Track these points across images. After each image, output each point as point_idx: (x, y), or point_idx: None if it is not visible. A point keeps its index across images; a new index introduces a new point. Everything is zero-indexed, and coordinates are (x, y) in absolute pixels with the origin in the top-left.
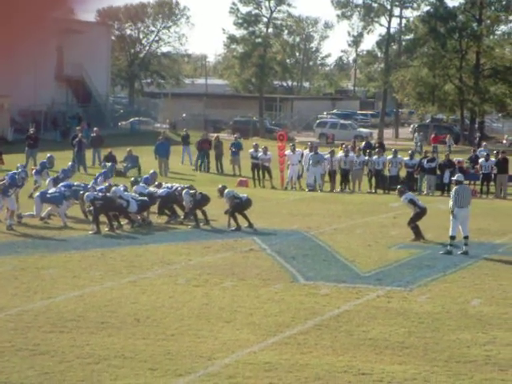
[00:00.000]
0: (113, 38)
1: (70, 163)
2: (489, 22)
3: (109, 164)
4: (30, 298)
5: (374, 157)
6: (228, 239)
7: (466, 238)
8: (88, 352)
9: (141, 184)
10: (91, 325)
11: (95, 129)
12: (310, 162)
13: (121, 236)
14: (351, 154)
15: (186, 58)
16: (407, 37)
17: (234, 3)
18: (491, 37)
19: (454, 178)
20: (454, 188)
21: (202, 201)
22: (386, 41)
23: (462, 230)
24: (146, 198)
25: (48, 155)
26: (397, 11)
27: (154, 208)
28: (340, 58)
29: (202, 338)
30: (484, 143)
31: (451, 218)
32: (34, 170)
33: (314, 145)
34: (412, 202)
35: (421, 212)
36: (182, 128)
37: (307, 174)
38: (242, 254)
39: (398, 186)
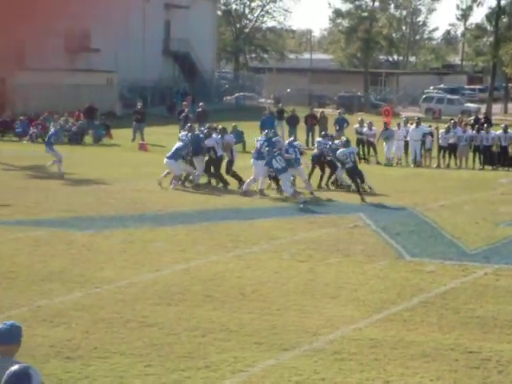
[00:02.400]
0: (219, 12)
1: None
2: None
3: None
4: (138, 271)
5: (482, 132)
6: (333, 215)
7: None
8: (194, 325)
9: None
10: (197, 298)
11: (201, 103)
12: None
13: (227, 210)
14: (458, 128)
15: (291, 33)
16: None
17: None
18: None
19: None
20: None
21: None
22: (495, 14)
23: None
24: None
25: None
26: None
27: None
28: (448, 32)
29: (307, 314)
30: None
31: None
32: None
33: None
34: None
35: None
36: (286, 103)
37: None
38: (347, 229)
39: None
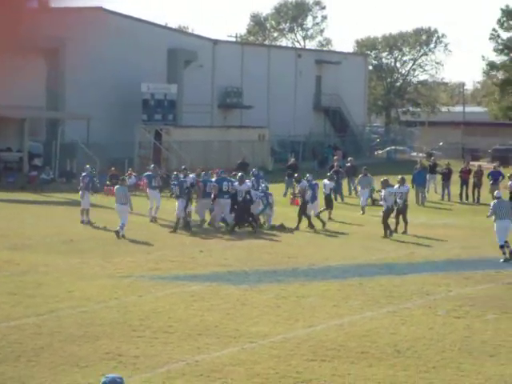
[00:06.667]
0: (370, 67)
1: None
2: None
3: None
4: (292, 326)
5: None
6: (489, 270)
7: None
8: (349, 381)
9: None
10: (351, 354)
11: (349, 158)
12: None
13: (379, 265)
14: None
15: (443, 85)
16: None
17: (494, 29)
18: None
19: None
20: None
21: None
22: None
23: None
24: None
25: None
26: None
27: None
28: None
29: (464, 372)
30: None
31: None
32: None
33: None
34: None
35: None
36: (438, 157)
37: None
38: (505, 285)
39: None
